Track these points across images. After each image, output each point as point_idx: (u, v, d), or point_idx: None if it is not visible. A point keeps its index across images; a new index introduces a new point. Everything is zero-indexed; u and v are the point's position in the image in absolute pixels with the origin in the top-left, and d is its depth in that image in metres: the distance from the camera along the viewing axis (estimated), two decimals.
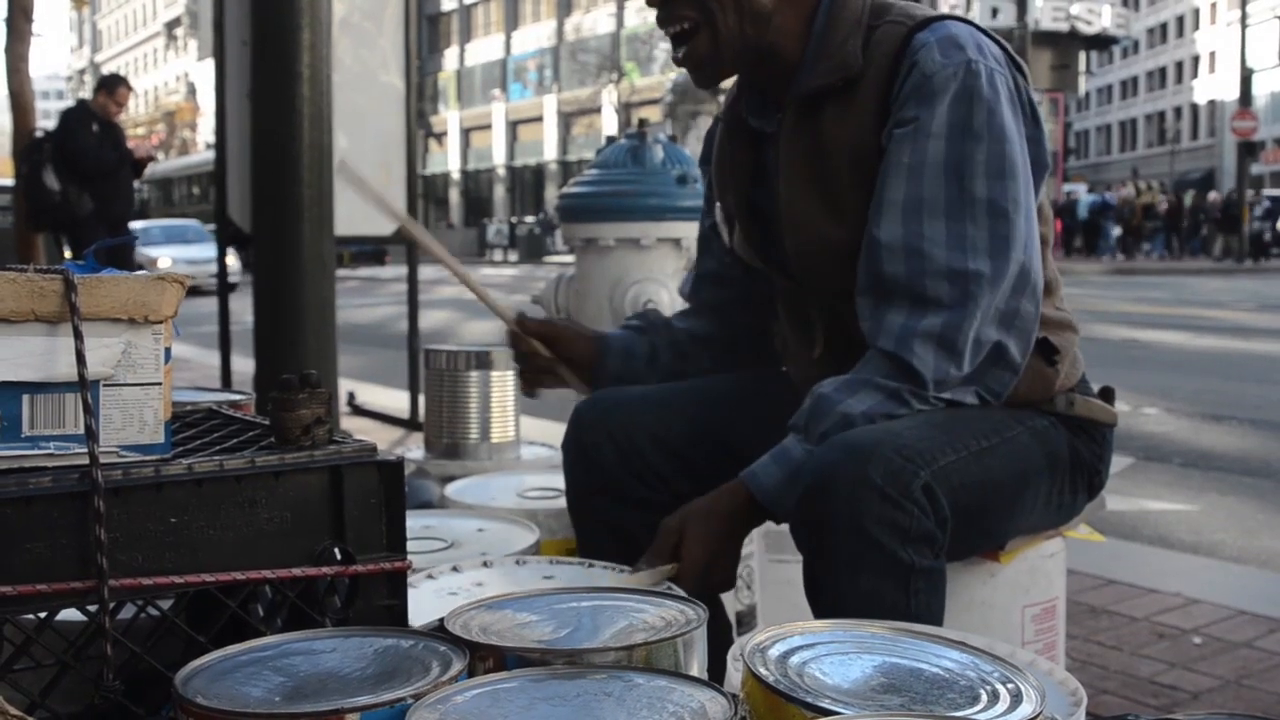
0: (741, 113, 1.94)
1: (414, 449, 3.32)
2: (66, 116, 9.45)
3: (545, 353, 2.03)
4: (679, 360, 2.12)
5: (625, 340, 2.12)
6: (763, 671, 0.93)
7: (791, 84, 1.82)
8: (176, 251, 22.61)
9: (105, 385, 1.15)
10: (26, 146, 9.32)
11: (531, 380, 2.10)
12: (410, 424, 6.25)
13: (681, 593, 1.22)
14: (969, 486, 1.66)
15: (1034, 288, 1.72)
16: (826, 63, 1.76)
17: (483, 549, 1.91)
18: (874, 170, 1.74)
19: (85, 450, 1.12)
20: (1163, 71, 72.20)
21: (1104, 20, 46.91)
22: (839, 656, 1.02)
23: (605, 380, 2.06)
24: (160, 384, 1.18)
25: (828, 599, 1.63)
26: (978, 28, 1.78)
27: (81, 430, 1.13)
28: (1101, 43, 49.52)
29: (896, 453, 1.58)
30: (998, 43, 1.78)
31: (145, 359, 1.17)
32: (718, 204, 2.04)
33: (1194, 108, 67.85)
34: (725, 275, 2.12)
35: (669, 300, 3.24)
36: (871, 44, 1.75)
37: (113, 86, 9.45)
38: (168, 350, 1.19)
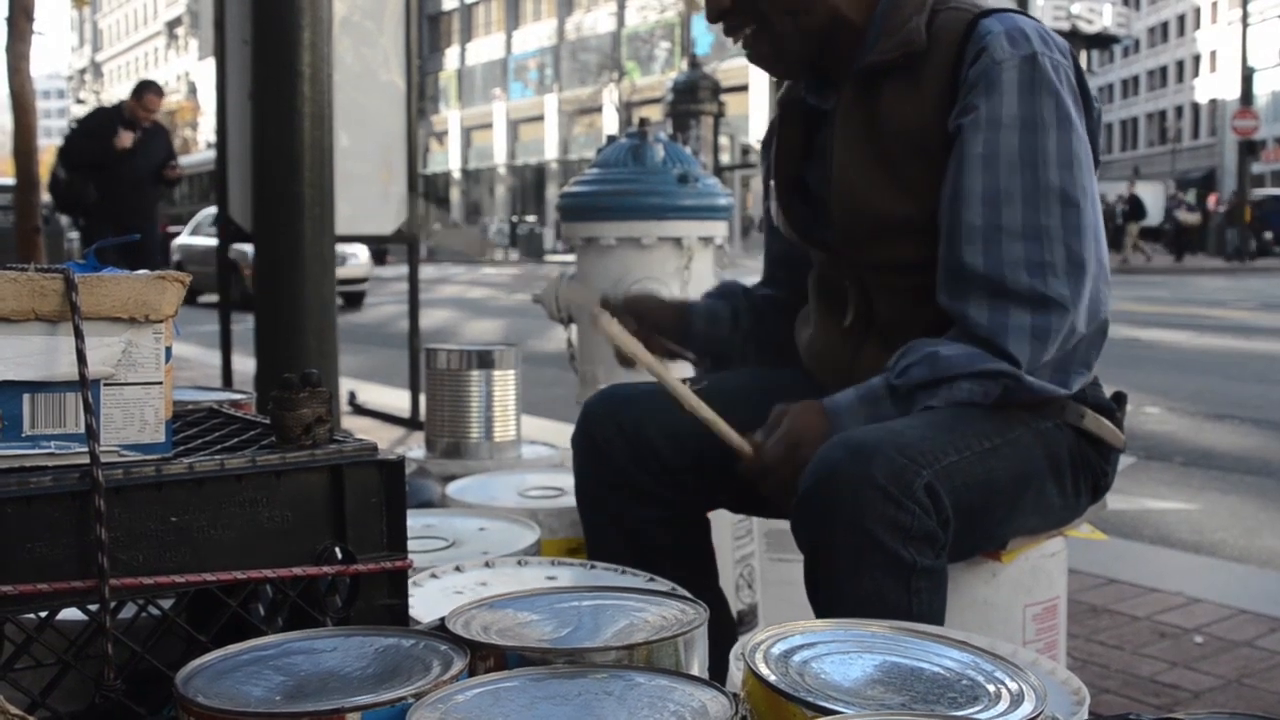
0: (800, 92, 1.99)
1: (415, 448, 3.32)
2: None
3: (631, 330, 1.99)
4: (758, 322, 2.19)
5: (708, 306, 2.19)
6: (764, 670, 0.93)
7: (852, 60, 1.86)
8: None
9: (106, 384, 1.15)
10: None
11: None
12: (411, 423, 6.25)
13: (685, 592, 1.22)
14: (971, 486, 1.66)
15: (1104, 272, 1.76)
16: (889, 39, 1.80)
17: (484, 548, 1.91)
18: (934, 148, 1.77)
19: (86, 449, 1.11)
20: (1164, 70, 72.17)
21: (1105, 19, 46.91)
22: (840, 656, 1.01)
23: (695, 344, 2.15)
24: (161, 383, 1.18)
25: (829, 598, 1.63)
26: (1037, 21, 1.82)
27: (82, 429, 1.12)
28: (1102, 42, 49.52)
29: (899, 452, 1.58)
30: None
31: (146, 358, 1.17)
32: (771, 183, 2.07)
33: (1195, 107, 67.82)
34: (791, 255, 2.16)
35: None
36: (935, 25, 1.80)
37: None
38: (168, 349, 1.19)
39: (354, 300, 18.51)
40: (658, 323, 2.09)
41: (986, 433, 1.73)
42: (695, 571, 1.93)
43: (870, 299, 1.90)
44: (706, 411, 1.75)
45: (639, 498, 1.93)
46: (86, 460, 1.11)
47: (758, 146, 2.21)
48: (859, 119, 1.84)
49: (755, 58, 1.91)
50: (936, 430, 1.67)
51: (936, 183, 1.78)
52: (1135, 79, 74.98)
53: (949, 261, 1.76)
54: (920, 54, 1.78)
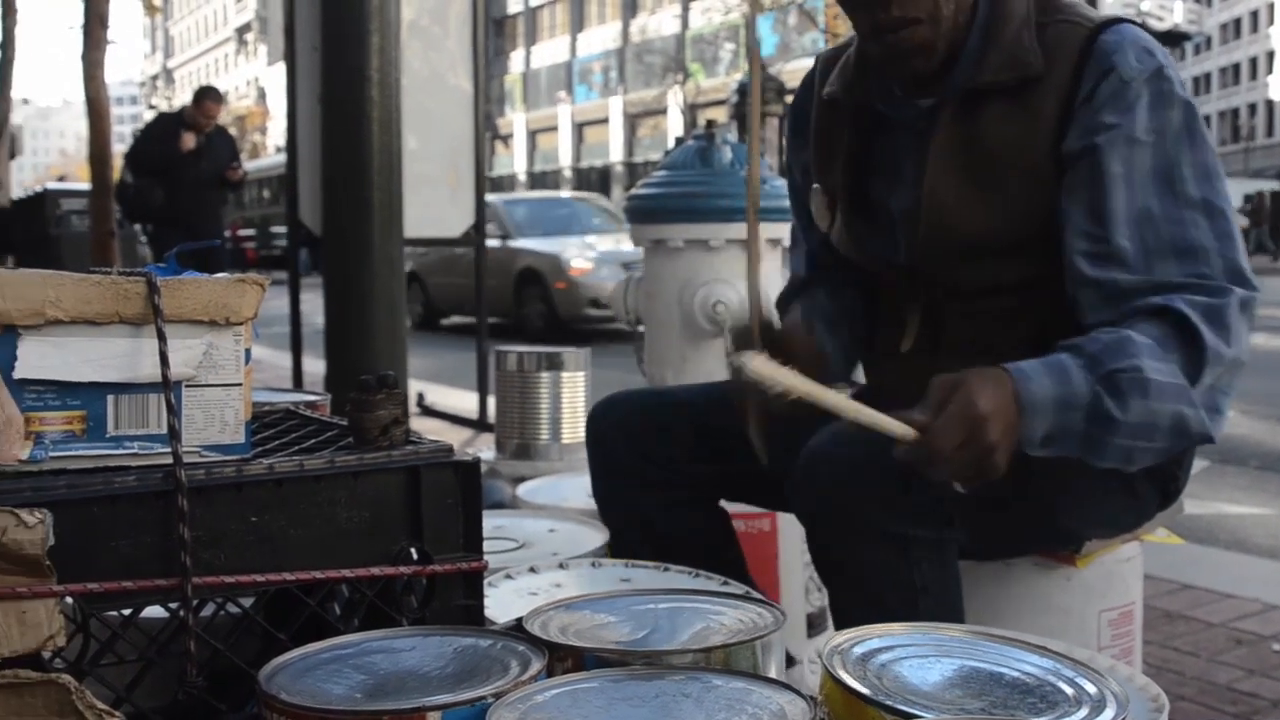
0: (864, 95, 1.88)
1: (484, 449, 3.34)
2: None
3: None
4: (855, 315, 2.01)
5: (825, 323, 1.96)
6: (843, 674, 0.93)
7: (949, 73, 1.77)
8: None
9: (187, 386, 1.17)
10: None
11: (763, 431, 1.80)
12: (479, 425, 6.29)
13: (760, 595, 1.22)
14: None
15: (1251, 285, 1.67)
16: (999, 57, 1.72)
17: (554, 549, 1.92)
18: (1042, 170, 1.71)
19: (169, 450, 1.13)
20: (1236, 68, 71.07)
21: (1175, 16, 46.33)
22: (918, 660, 1.01)
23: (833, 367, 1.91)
24: (241, 385, 1.20)
25: (832, 571, 1.69)
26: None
27: (165, 430, 1.14)
28: (1173, 39, 48.81)
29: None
30: None
31: (226, 360, 1.18)
32: (816, 185, 1.98)
33: (1269, 104, 66.71)
34: (843, 264, 2.02)
35: (738, 302, 3.23)
36: (1046, 41, 1.72)
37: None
38: (248, 351, 1.20)
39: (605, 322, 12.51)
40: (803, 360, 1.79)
41: None
42: (717, 560, 1.87)
43: (940, 322, 1.84)
44: (868, 414, 1.49)
45: (646, 487, 1.95)
46: (169, 460, 1.13)
47: None
48: (957, 137, 1.76)
49: (907, 50, 1.72)
50: None
51: (1037, 205, 1.72)
52: (1207, 76, 73.88)
53: (1100, 283, 1.66)
54: (1038, 76, 1.71)
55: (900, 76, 1.82)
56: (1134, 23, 1.75)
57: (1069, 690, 0.97)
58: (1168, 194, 1.65)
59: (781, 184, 3.33)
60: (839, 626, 1.69)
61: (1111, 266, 1.65)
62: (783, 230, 3.31)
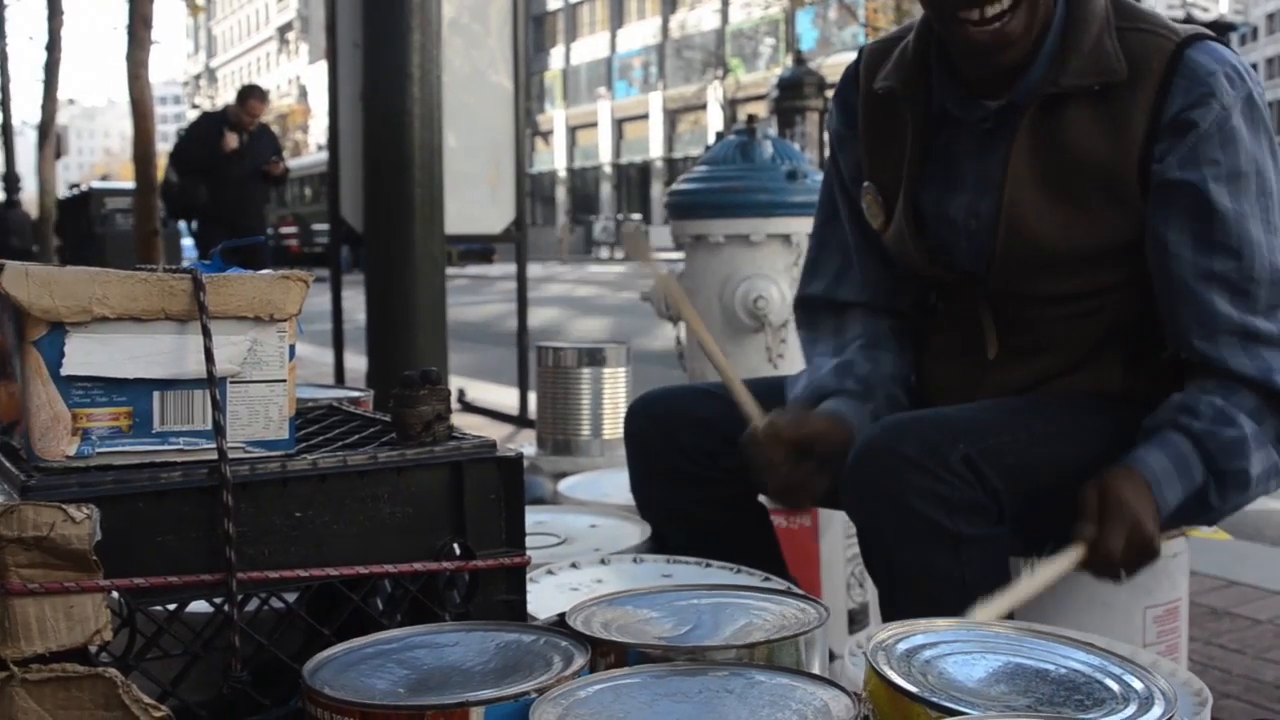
0: (924, 91, 1.83)
1: (524, 445, 3.35)
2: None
3: (788, 462, 1.77)
4: (899, 398, 1.97)
5: (862, 421, 1.89)
6: (887, 670, 0.92)
7: (1023, 75, 1.73)
8: None
9: (232, 382, 1.17)
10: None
11: (792, 495, 1.84)
12: (520, 420, 6.30)
13: (802, 590, 1.21)
14: (1032, 468, 1.65)
15: None
16: (1080, 60, 1.69)
17: (595, 545, 1.92)
18: (1127, 183, 1.70)
19: (213, 446, 1.14)
20: None
21: (1221, 6, 45.78)
22: (963, 656, 1.00)
23: None
24: (285, 381, 1.20)
25: (882, 568, 1.67)
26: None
27: (210, 426, 1.15)
28: (1219, 29, 48.28)
29: (935, 429, 1.62)
30: None
31: (270, 356, 1.19)
32: (867, 183, 1.93)
33: None
34: (898, 275, 1.99)
35: (779, 297, 3.23)
36: (1129, 49, 1.69)
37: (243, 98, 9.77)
38: (292, 348, 1.21)
39: None
40: (827, 449, 1.79)
41: (1053, 418, 1.73)
42: (754, 555, 1.86)
43: (1008, 326, 1.84)
44: (1048, 569, 1.56)
45: (684, 483, 1.94)
46: (214, 456, 1.13)
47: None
48: (1038, 144, 1.73)
49: (999, 34, 1.67)
50: (987, 413, 1.70)
51: (1120, 218, 1.71)
52: (1254, 67, 73.11)
53: (1199, 311, 1.69)
54: (1120, 84, 1.68)
55: (983, 70, 1.76)
56: (1213, 38, 1.73)
57: (1115, 687, 0.97)
58: (1264, 222, 1.69)
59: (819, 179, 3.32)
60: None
61: (1213, 292, 1.69)
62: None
